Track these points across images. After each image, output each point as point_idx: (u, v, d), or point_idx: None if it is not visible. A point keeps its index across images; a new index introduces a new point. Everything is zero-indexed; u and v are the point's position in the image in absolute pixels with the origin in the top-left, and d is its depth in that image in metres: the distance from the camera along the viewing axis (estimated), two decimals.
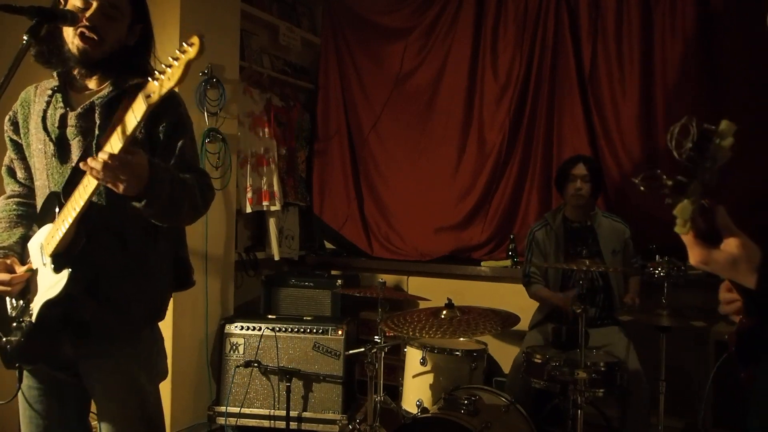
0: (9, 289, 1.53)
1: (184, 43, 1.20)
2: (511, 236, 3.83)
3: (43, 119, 1.57)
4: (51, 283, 1.48)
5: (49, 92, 1.58)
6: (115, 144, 1.31)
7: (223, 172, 3.48)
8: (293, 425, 3.25)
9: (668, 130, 0.89)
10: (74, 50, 1.51)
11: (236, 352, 3.37)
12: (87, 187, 1.38)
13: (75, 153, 1.54)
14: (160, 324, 1.73)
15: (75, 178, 1.44)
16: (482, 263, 3.87)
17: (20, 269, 1.56)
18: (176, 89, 1.29)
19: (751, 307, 1.14)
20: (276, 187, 4.00)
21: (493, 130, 3.94)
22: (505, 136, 3.86)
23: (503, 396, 2.48)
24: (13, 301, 1.59)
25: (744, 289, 1.02)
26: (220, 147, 3.45)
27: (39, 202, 1.62)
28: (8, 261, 1.57)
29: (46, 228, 1.52)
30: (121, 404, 1.55)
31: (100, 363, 1.57)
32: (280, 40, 4.19)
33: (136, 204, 1.39)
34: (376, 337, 2.88)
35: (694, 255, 0.95)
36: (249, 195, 3.84)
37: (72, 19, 1.47)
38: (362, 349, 2.84)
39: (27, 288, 1.57)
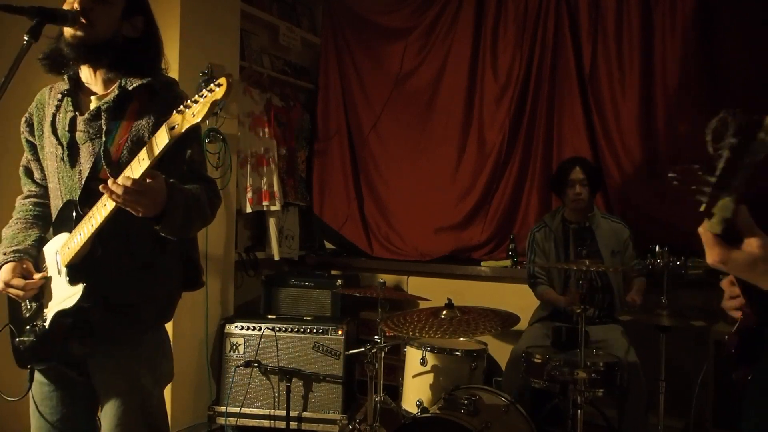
0: (22, 293, 1.55)
1: (213, 84, 1.22)
2: (511, 236, 3.83)
3: (53, 123, 1.58)
4: (65, 294, 1.50)
5: (59, 96, 1.59)
6: (135, 169, 1.32)
7: (223, 172, 3.48)
8: (293, 425, 3.25)
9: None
10: (68, 38, 1.50)
11: (236, 352, 3.37)
12: (106, 206, 1.38)
13: (84, 157, 1.55)
14: None
15: (90, 186, 1.46)
16: (482, 263, 3.87)
17: (36, 276, 1.58)
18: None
19: (759, 309, 1.14)
20: (276, 187, 4.00)
21: (493, 130, 3.94)
22: (505, 136, 3.86)
23: (503, 396, 2.48)
24: (28, 302, 1.61)
25: (752, 290, 1.01)
26: (220, 147, 3.45)
27: (53, 204, 1.63)
28: (24, 265, 1.58)
29: (63, 236, 1.53)
30: (123, 404, 1.55)
31: (104, 363, 1.58)
32: (280, 40, 4.19)
33: (152, 225, 1.41)
34: (376, 337, 2.88)
35: (714, 254, 0.93)
36: (249, 195, 3.84)
37: (72, 19, 1.47)
38: (362, 349, 2.84)
39: (41, 292, 1.59)
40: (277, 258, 4.05)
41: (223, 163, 3.47)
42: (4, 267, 1.57)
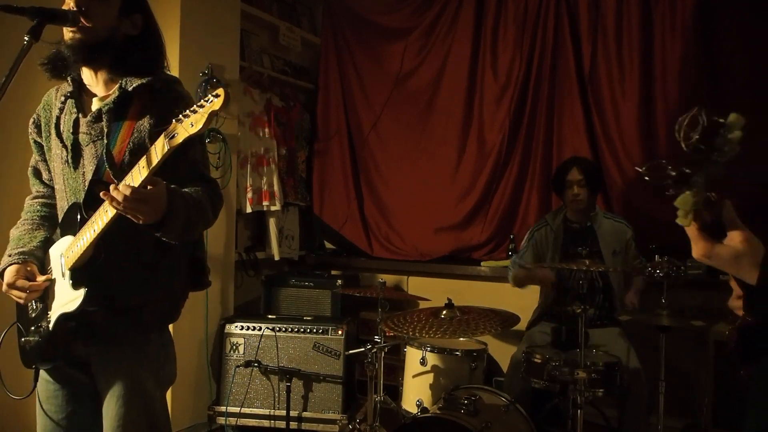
0: (24, 295, 1.56)
1: (210, 95, 1.23)
2: (511, 236, 3.83)
3: (57, 126, 1.58)
4: (68, 298, 1.50)
5: (62, 98, 1.59)
6: (135, 177, 1.33)
7: (223, 172, 3.48)
8: (293, 425, 3.25)
9: (674, 125, 0.90)
10: (68, 40, 1.50)
11: (236, 352, 3.37)
12: (108, 212, 1.39)
13: (87, 159, 1.55)
14: None
15: (94, 189, 1.45)
16: (482, 263, 3.87)
17: (39, 278, 1.59)
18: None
19: (750, 304, 1.15)
20: (276, 187, 4.00)
21: (493, 130, 3.94)
22: (505, 136, 3.86)
23: (503, 396, 2.48)
24: (33, 303, 1.62)
25: (746, 285, 1.01)
26: (220, 147, 3.45)
27: (59, 205, 1.64)
28: (28, 268, 1.58)
29: (68, 239, 1.53)
30: (125, 405, 1.55)
31: (106, 364, 1.58)
32: (280, 40, 4.19)
33: (152, 232, 1.42)
34: (376, 337, 2.88)
35: (698, 248, 0.95)
36: (249, 195, 3.84)
37: (73, 19, 1.47)
38: (362, 349, 2.84)
39: (46, 293, 1.60)
40: (277, 258, 4.05)
41: (223, 163, 3.47)
42: (9, 269, 1.58)
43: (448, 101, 4.09)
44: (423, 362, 2.68)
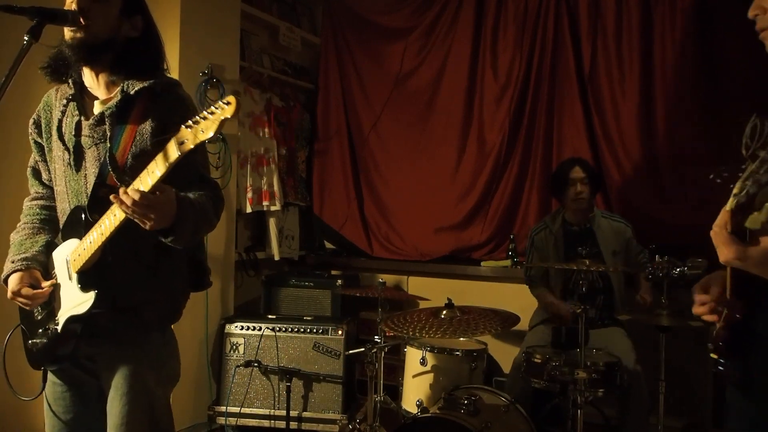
0: (30, 303, 1.57)
1: (220, 101, 1.23)
2: (511, 236, 3.83)
3: (59, 128, 1.58)
4: (77, 301, 1.51)
5: (64, 101, 1.59)
6: (145, 182, 1.34)
7: (223, 172, 3.48)
8: (293, 425, 3.26)
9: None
10: (69, 40, 1.50)
11: (236, 352, 3.37)
12: (116, 216, 1.40)
13: (89, 162, 1.55)
14: None
15: (98, 193, 1.48)
16: (482, 263, 3.87)
17: (44, 283, 1.59)
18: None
19: (746, 300, 1.19)
20: (276, 187, 4.00)
21: (493, 130, 3.94)
22: (505, 136, 3.86)
23: (503, 396, 2.48)
24: (38, 307, 1.63)
25: (743, 283, 1.09)
26: (220, 147, 3.45)
27: (60, 206, 1.64)
28: (32, 274, 1.59)
29: (73, 243, 1.54)
30: (128, 404, 1.55)
31: (109, 363, 1.59)
32: (280, 40, 4.19)
33: (161, 238, 1.44)
34: (376, 337, 2.88)
35: (731, 251, 1.01)
36: (249, 195, 3.84)
37: (73, 19, 1.47)
38: (362, 349, 2.84)
39: (51, 296, 1.61)
40: (277, 258, 4.05)
41: (223, 163, 3.47)
42: (13, 276, 1.58)
43: (448, 101, 4.09)
44: (423, 362, 2.68)
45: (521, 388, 2.80)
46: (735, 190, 0.99)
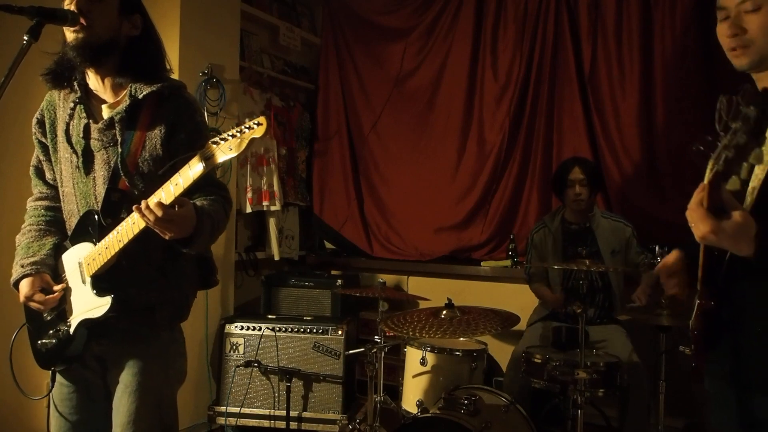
0: (42, 307, 1.59)
1: (251, 122, 1.28)
2: (511, 236, 3.83)
3: (67, 131, 1.59)
4: (91, 304, 1.53)
5: (72, 104, 1.60)
6: (167, 192, 1.37)
7: (223, 172, 3.48)
8: (293, 425, 3.25)
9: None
10: (71, 41, 1.51)
11: (236, 352, 3.37)
12: (136, 224, 1.42)
13: (99, 165, 1.57)
14: None
15: (111, 197, 1.52)
16: (482, 263, 3.87)
17: (56, 287, 1.61)
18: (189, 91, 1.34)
19: (714, 290, 1.26)
20: (276, 187, 4.00)
21: (493, 130, 3.94)
22: (505, 136, 3.86)
23: (503, 396, 2.48)
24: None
25: (711, 272, 1.19)
26: None
27: (67, 208, 1.65)
28: (43, 278, 1.59)
29: (85, 246, 1.56)
30: (136, 401, 1.56)
31: (118, 361, 1.60)
32: (280, 40, 4.19)
33: (179, 248, 1.48)
34: (376, 337, 2.88)
35: (706, 226, 1.06)
36: (249, 195, 3.84)
37: (72, 19, 1.47)
38: (362, 349, 2.84)
39: (63, 297, 1.62)
40: (277, 258, 4.05)
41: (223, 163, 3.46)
42: (24, 281, 1.58)
43: (448, 101, 4.09)
44: (423, 362, 2.68)
45: (521, 387, 2.80)
46: (710, 164, 1.03)
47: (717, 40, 1.39)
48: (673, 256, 1.44)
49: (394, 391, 3.01)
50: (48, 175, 1.71)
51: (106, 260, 1.49)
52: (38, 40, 1.41)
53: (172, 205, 1.36)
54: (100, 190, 1.55)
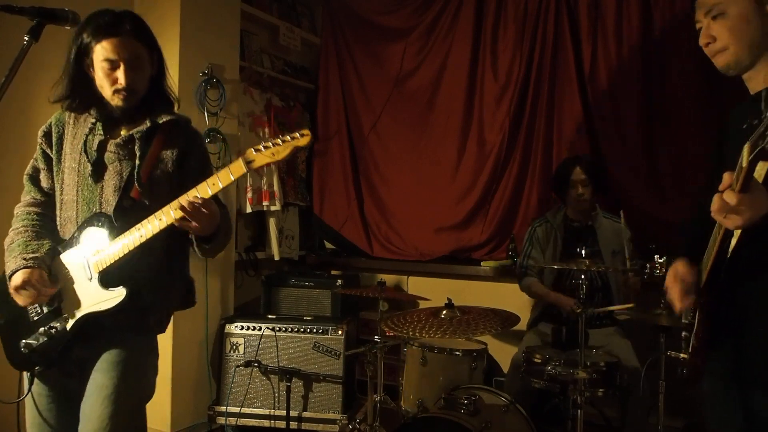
0: (31, 300, 1.63)
1: (297, 132, 1.49)
2: (511, 236, 3.82)
3: (85, 143, 1.71)
4: (99, 298, 1.61)
5: (92, 122, 1.73)
6: (203, 191, 1.55)
7: None
8: (293, 425, 3.26)
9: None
10: (115, 104, 1.68)
11: (236, 352, 3.37)
12: (162, 220, 1.57)
13: (110, 175, 1.69)
14: None
15: (123, 203, 1.66)
16: (482, 263, 3.86)
17: (50, 287, 1.66)
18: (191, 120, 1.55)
19: (715, 291, 1.28)
20: (276, 187, 4.00)
21: (493, 130, 3.94)
22: (505, 136, 3.86)
23: (503, 396, 2.48)
24: (38, 307, 1.68)
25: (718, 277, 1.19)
26: (221, 147, 3.45)
27: (64, 214, 1.72)
28: (42, 273, 1.63)
29: (93, 245, 1.65)
30: (113, 405, 1.59)
31: (95, 361, 1.64)
32: (280, 40, 4.19)
33: (202, 244, 1.68)
34: (376, 337, 2.88)
35: (747, 208, 1.10)
36: (249, 195, 3.84)
37: (73, 19, 1.48)
38: (362, 349, 2.84)
39: (56, 297, 1.67)
40: (277, 258, 4.05)
41: (224, 163, 3.47)
42: (22, 271, 1.60)
43: (448, 101, 4.09)
44: (423, 362, 2.68)
45: (521, 387, 2.80)
46: (749, 143, 1.04)
47: None
48: (685, 269, 1.42)
49: (394, 391, 3.01)
50: (44, 184, 1.78)
51: (120, 257, 1.60)
52: (38, 40, 1.42)
53: (209, 199, 1.54)
54: (107, 197, 1.67)
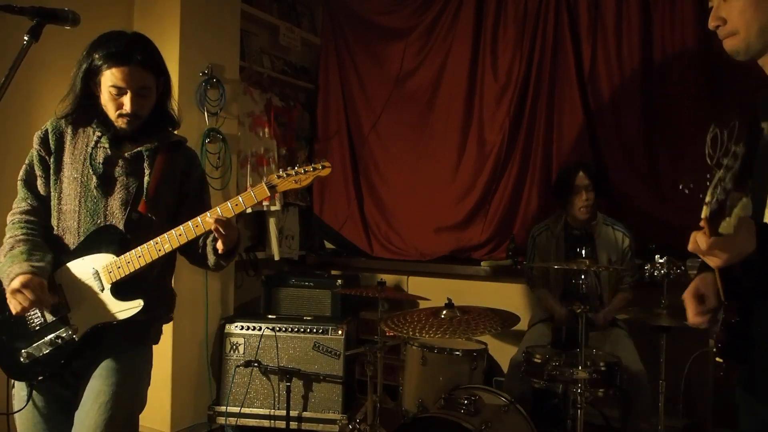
0: (27, 305, 1.60)
1: (320, 163, 1.79)
2: (511, 236, 3.82)
3: (91, 155, 1.73)
4: (115, 308, 1.65)
5: (98, 134, 1.74)
6: (225, 211, 1.65)
7: (224, 172, 3.48)
8: (293, 425, 3.26)
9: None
10: (119, 125, 1.72)
11: (236, 352, 3.37)
12: (181, 236, 1.64)
13: (117, 189, 1.73)
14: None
15: (132, 216, 1.71)
16: (482, 263, 3.86)
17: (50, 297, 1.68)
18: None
19: (738, 303, 1.24)
20: None
21: (493, 130, 3.94)
22: (505, 136, 3.86)
23: (503, 396, 2.48)
24: (41, 316, 1.67)
25: (733, 285, 1.17)
26: (221, 147, 3.45)
27: (63, 224, 1.72)
28: (43, 282, 1.62)
29: (103, 257, 1.67)
30: (110, 412, 1.60)
31: (93, 370, 1.67)
32: (280, 40, 4.19)
33: (221, 260, 1.78)
34: (376, 337, 2.88)
35: (723, 250, 1.08)
36: None
37: (73, 19, 1.47)
38: (362, 349, 2.84)
39: (61, 307, 1.67)
40: (277, 258, 4.05)
41: (223, 163, 3.47)
42: (24, 275, 1.57)
43: (448, 101, 4.09)
44: (423, 362, 2.68)
45: (521, 387, 2.80)
46: (707, 198, 1.01)
47: (717, 40, 1.37)
48: (708, 286, 1.35)
49: (394, 391, 3.01)
50: (41, 189, 1.75)
51: (136, 268, 1.65)
52: (38, 40, 1.42)
53: (233, 218, 1.66)
54: (113, 210, 1.71)
